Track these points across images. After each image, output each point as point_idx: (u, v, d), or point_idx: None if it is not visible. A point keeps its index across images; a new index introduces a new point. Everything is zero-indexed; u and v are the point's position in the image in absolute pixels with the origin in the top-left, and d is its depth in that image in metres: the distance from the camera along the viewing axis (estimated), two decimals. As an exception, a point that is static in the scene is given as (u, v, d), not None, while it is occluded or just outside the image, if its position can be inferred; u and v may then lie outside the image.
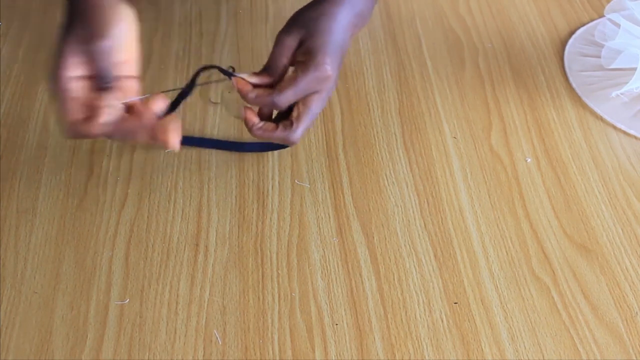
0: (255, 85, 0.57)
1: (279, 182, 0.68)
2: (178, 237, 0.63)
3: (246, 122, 0.58)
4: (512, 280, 0.61)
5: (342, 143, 0.71)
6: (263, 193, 0.67)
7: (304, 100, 0.57)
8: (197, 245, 0.63)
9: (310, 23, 0.57)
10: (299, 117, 0.57)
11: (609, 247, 0.63)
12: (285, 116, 0.58)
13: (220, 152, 0.70)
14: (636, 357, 0.56)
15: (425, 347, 0.56)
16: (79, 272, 0.60)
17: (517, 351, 0.56)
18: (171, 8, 0.86)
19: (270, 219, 0.65)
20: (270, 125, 0.58)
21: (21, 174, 0.68)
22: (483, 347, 0.56)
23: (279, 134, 0.58)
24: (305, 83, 0.55)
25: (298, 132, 0.57)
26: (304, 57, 0.56)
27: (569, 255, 0.63)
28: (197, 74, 0.58)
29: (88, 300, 0.59)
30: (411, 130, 0.73)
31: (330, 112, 0.74)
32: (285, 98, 0.55)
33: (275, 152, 0.70)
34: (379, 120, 0.74)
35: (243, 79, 0.57)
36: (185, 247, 0.62)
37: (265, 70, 0.58)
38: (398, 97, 0.76)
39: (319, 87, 0.56)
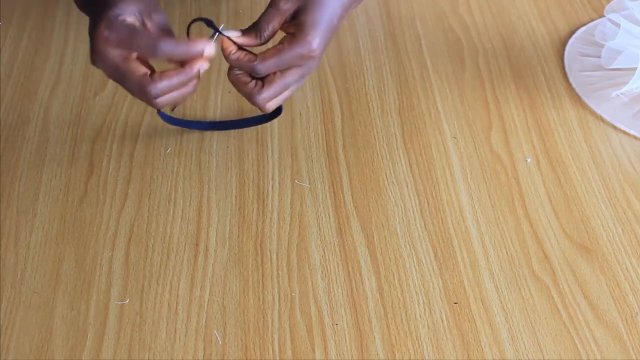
0: (240, 47, 0.56)
1: (279, 182, 0.68)
2: (178, 237, 0.63)
3: (223, 49, 0.56)
4: (512, 280, 0.61)
5: (342, 143, 0.71)
6: (263, 193, 0.67)
7: (284, 72, 0.56)
8: (197, 245, 0.63)
9: None
10: (270, 81, 0.56)
11: (609, 247, 0.63)
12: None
13: (220, 152, 0.70)
14: (636, 357, 0.56)
15: (425, 347, 0.56)
16: (79, 272, 0.60)
17: (517, 351, 0.56)
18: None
19: (270, 219, 0.65)
20: (246, 77, 0.56)
21: (21, 174, 0.68)
22: (483, 347, 0.56)
23: (248, 89, 0.56)
24: (289, 57, 0.54)
25: (264, 95, 0.56)
26: (294, 29, 0.55)
27: (569, 255, 0.63)
28: (189, 26, 0.58)
29: (88, 300, 0.59)
30: (411, 130, 0.73)
31: (330, 112, 0.74)
32: (265, 67, 0.55)
33: (276, 152, 0.70)
34: (379, 120, 0.74)
35: (229, 38, 0.56)
36: (185, 247, 0.62)
37: (254, 29, 0.56)
38: (398, 97, 0.76)
39: (302, 62, 0.56)
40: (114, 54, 0.52)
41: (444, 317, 0.58)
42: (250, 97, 0.57)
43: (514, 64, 0.81)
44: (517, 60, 0.81)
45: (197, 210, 0.65)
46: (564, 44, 0.83)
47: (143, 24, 0.54)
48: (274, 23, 0.56)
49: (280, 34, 0.57)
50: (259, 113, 0.70)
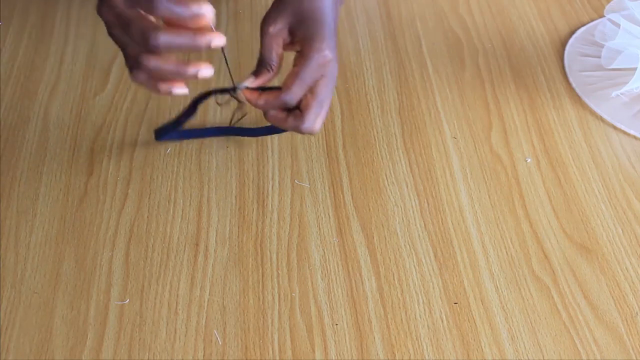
0: (260, 89, 0.56)
1: (279, 182, 0.68)
2: (178, 237, 0.63)
3: (248, 101, 0.57)
4: (512, 280, 0.61)
5: (342, 143, 0.71)
6: (263, 193, 0.67)
7: (314, 90, 0.56)
8: (197, 245, 0.63)
9: (296, 8, 0.56)
10: (306, 105, 0.56)
11: (609, 247, 0.63)
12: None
13: (220, 152, 0.70)
14: (636, 357, 0.56)
15: (425, 347, 0.56)
16: (79, 272, 0.60)
17: (517, 351, 0.56)
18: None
19: (270, 219, 0.65)
20: (283, 113, 0.57)
21: (21, 174, 0.68)
22: (483, 347, 0.56)
23: (290, 122, 0.56)
24: (308, 73, 0.54)
25: (308, 120, 0.56)
26: (301, 46, 0.55)
27: (569, 255, 0.63)
28: (196, 103, 0.59)
29: (88, 300, 0.59)
30: (411, 130, 0.73)
31: (330, 112, 0.74)
32: (294, 94, 0.55)
33: (276, 152, 0.70)
34: (379, 120, 0.74)
35: (248, 87, 0.56)
36: (185, 247, 0.62)
37: (262, 65, 0.56)
38: (398, 97, 0.76)
39: (323, 72, 0.55)
40: (120, 2, 0.49)
41: (444, 317, 0.58)
42: (296, 129, 0.57)
43: (514, 64, 0.81)
44: (517, 60, 0.81)
45: (197, 210, 0.65)
46: (564, 44, 0.83)
47: None
48: (275, 48, 0.56)
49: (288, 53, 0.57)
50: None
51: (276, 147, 0.70)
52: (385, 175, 0.68)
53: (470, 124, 0.74)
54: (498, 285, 0.60)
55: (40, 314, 0.58)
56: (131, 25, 0.49)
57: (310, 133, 0.57)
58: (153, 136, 0.69)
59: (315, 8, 0.56)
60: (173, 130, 0.68)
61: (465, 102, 0.76)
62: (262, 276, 0.61)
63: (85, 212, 0.65)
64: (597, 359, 0.56)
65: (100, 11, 0.51)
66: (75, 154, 0.69)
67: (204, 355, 0.56)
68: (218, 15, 0.85)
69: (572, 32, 0.84)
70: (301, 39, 0.55)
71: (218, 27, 0.83)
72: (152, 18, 0.49)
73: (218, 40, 0.49)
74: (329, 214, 0.65)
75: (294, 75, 0.55)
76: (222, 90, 0.57)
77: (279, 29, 0.56)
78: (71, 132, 0.71)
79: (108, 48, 0.80)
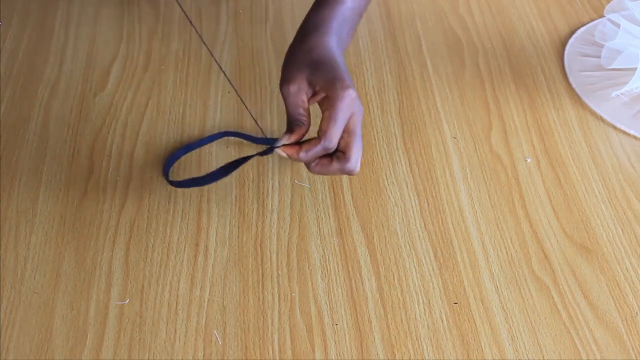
0: (299, 143, 0.56)
1: (279, 182, 0.68)
2: (178, 237, 0.63)
3: (290, 157, 0.57)
4: (512, 280, 0.61)
5: (342, 143, 0.71)
6: (263, 193, 0.67)
7: (347, 129, 0.57)
8: (197, 245, 0.63)
9: (308, 61, 0.57)
10: (347, 145, 0.56)
11: (609, 247, 0.63)
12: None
13: (220, 152, 0.70)
14: (636, 357, 0.56)
15: (425, 347, 0.56)
16: (79, 272, 0.60)
17: (517, 351, 0.56)
18: (171, 8, 0.86)
19: (270, 219, 0.65)
20: (326, 159, 0.57)
21: (21, 174, 0.68)
22: (483, 347, 0.56)
23: (335, 166, 0.57)
24: (340, 115, 0.55)
25: (353, 158, 0.57)
26: (325, 91, 0.56)
27: (569, 255, 0.63)
28: (234, 166, 0.60)
29: (88, 300, 0.59)
30: (411, 130, 0.73)
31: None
32: (332, 138, 0.55)
33: (276, 152, 0.70)
34: (379, 120, 0.74)
35: (287, 144, 0.56)
36: (185, 247, 0.62)
37: (293, 124, 0.57)
38: (398, 97, 0.76)
39: (352, 110, 0.56)
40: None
41: (444, 317, 0.58)
42: (342, 171, 0.57)
43: (514, 64, 0.81)
44: (517, 60, 0.81)
45: (197, 210, 0.65)
46: (564, 44, 0.83)
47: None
48: (301, 105, 0.57)
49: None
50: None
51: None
52: (385, 175, 0.68)
53: (470, 124, 0.74)
54: (498, 285, 0.60)
55: (40, 314, 0.58)
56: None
57: (353, 173, 0.58)
58: (167, 181, 0.67)
59: (324, 54, 0.57)
60: (194, 183, 0.66)
61: (465, 102, 0.76)
62: (262, 276, 0.61)
63: (85, 212, 0.65)
64: (597, 359, 0.56)
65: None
66: (75, 154, 0.69)
67: (204, 355, 0.56)
68: (218, 15, 0.85)
69: (572, 32, 0.84)
70: (323, 86, 0.56)
71: (218, 26, 0.83)
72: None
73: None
74: (329, 214, 0.65)
75: (327, 120, 0.55)
76: (261, 153, 0.58)
77: (299, 86, 0.56)
78: (71, 132, 0.71)
79: (108, 48, 0.80)
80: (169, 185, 0.66)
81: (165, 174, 0.67)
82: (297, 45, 0.60)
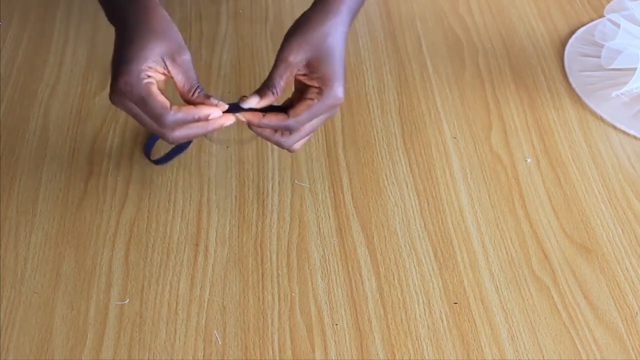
0: (263, 111, 0.56)
1: (279, 182, 0.68)
2: (178, 237, 0.63)
3: (249, 122, 0.57)
4: (512, 280, 0.61)
5: (342, 143, 0.71)
6: (263, 193, 0.67)
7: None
8: (197, 245, 0.63)
9: (319, 45, 0.56)
10: (299, 129, 0.57)
11: (609, 247, 0.63)
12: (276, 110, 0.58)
13: (220, 152, 0.70)
14: (636, 357, 0.56)
15: (425, 347, 0.56)
16: (79, 272, 0.60)
17: (517, 351, 0.56)
18: (170, 8, 0.86)
19: (270, 219, 0.65)
20: (276, 119, 0.56)
21: (21, 174, 0.68)
22: (483, 347, 0.56)
23: (276, 139, 0.58)
24: (320, 110, 0.56)
25: (294, 139, 0.57)
26: (319, 83, 0.56)
27: (569, 255, 0.63)
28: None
29: (88, 300, 0.59)
30: (411, 130, 0.73)
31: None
32: (299, 123, 0.56)
33: (276, 152, 0.70)
34: (379, 120, 0.74)
35: (252, 109, 0.56)
36: (185, 247, 0.62)
37: (268, 87, 0.56)
38: (398, 97, 0.76)
39: (331, 111, 0.57)
40: (130, 105, 0.54)
41: (444, 317, 0.58)
42: (279, 145, 0.58)
43: (514, 64, 0.81)
44: (517, 60, 0.81)
45: (197, 210, 0.65)
46: (564, 44, 0.83)
47: (166, 67, 0.54)
48: (287, 76, 0.56)
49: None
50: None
51: (276, 147, 0.70)
52: (385, 175, 0.68)
53: (470, 124, 0.74)
54: (498, 285, 0.60)
55: (40, 314, 0.58)
56: (145, 110, 0.53)
57: (289, 150, 0.59)
58: (150, 161, 0.68)
59: (335, 47, 0.57)
60: (174, 154, 0.68)
61: (465, 102, 0.76)
62: (262, 276, 0.61)
63: (85, 212, 0.65)
64: (597, 359, 0.56)
65: (111, 100, 0.55)
66: (75, 154, 0.69)
67: (204, 355, 0.56)
68: (218, 15, 0.85)
69: (572, 32, 0.84)
70: (320, 77, 0.56)
71: (218, 26, 0.83)
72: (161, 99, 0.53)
73: (228, 122, 0.56)
74: (329, 214, 0.65)
75: (306, 106, 0.55)
76: (228, 112, 0.57)
77: (298, 60, 0.56)
78: (71, 132, 0.71)
79: (108, 48, 0.80)
80: (169, 185, 0.67)
81: (147, 153, 0.68)
82: (315, 22, 0.57)
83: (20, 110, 0.73)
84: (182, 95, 0.55)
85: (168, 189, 0.67)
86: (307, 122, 0.57)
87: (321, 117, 0.58)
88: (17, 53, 0.80)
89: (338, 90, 0.56)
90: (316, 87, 0.56)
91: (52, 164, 0.68)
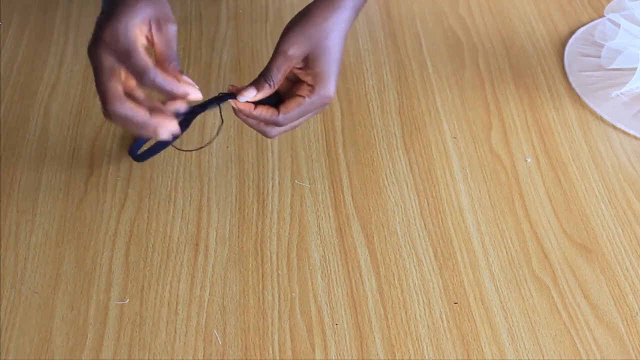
0: (255, 103, 0.56)
1: (279, 182, 0.68)
2: (178, 237, 0.63)
3: (241, 110, 0.57)
4: (512, 280, 0.61)
5: (342, 143, 0.71)
6: (263, 193, 0.67)
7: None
8: (197, 245, 0.63)
9: (319, 40, 0.56)
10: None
11: (609, 247, 0.63)
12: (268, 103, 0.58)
13: (220, 152, 0.70)
14: (636, 357, 0.56)
15: (425, 347, 0.56)
16: (79, 272, 0.60)
17: (517, 351, 0.56)
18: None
19: (270, 219, 0.65)
20: (268, 113, 0.56)
21: (21, 174, 0.68)
22: (483, 347, 0.56)
23: (261, 128, 0.58)
24: (311, 107, 0.56)
25: (277, 132, 0.58)
26: (312, 80, 0.56)
27: (569, 255, 0.63)
28: (188, 120, 0.59)
29: (88, 300, 0.59)
30: (411, 130, 0.73)
31: (330, 112, 0.74)
32: (288, 120, 0.56)
33: (276, 152, 0.70)
34: (379, 120, 0.74)
35: (248, 102, 0.56)
36: (185, 247, 0.62)
37: (265, 79, 0.56)
38: (398, 97, 0.76)
39: (320, 109, 0.58)
40: (106, 59, 0.51)
41: (444, 317, 0.58)
42: (262, 134, 0.59)
43: (514, 64, 0.81)
44: (517, 60, 0.81)
45: (197, 210, 0.65)
46: (564, 44, 0.83)
47: (150, 31, 0.54)
48: (284, 69, 0.56)
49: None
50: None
51: (276, 147, 0.70)
52: (385, 175, 0.68)
53: (470, 124, 0.74)
54: (498, 285, 0.60)
55: (40, 314, 0.58)
56: (100, 84, 0.51)
57: (266, 137, 0.60)
58: (131, 158, 0.68)
59: (334, 45, 0.56)
60: (156, 150, 0.67)
61: (465, 102, 0.76)
62: (262, 276, 0.61)
63: (85, 212, 0.65)
64: (597, 359, 0.56)
65: (88, 52, 0.52)
66: (75, 154, 0.69)
67: (204, 355, 0.56)
68: (218, 15, 0.85)
69: (572, 32, 0.84)
70: (315, 74, 0.55)
71: (218, 26, 0.83)
72: (119, 87, 0.52)
73: (182, 108, 0.54)
74: (329, 214, 0.65)
75: (297, 104, 0.55)
76: (218, 100, 0.56)
77: (297, 55, 0.55)
78: (71, 132, 0.71)
79: (108, 48, 0.80)
80: (169, 185, 0.67)
81: (131, 152, 0.67)
82: (317, 17, 0.56)
83: (20, 110, 0.73)
84: (157, 63, 0.53)
85: (168, 189, 0.67)
86: (297, 119, 0.57)
87: (310, 114, 0.58)
88: (17, 53, 0.80)
89: (330, 89, 0.56)
90: (309, 85, 0.56)
91: (52, 164, 0.68)
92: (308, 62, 0.56)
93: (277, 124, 0.56)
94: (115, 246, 0.62)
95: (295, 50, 0.55)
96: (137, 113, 0.52)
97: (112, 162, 0.69)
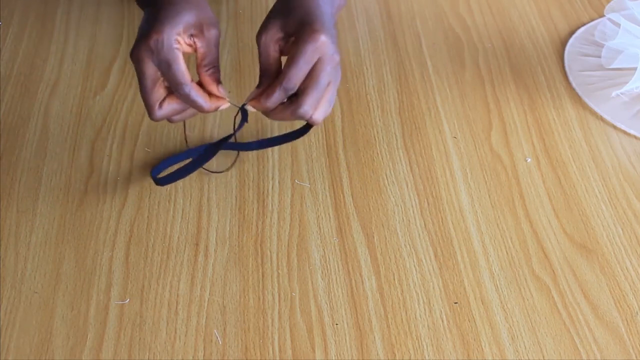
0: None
1: (279, 182, 0.68)
2: (178, 237, 0.63)
3: (257, 109, 0.56)
4: (512, 280, 0.61)
5: (342, 143, 0.71)
6: (263, 193, 0.67)
7: (310, 73, 0.53)
8: (197, 245, 0.63)
9: (284, 9, 0.55)
10: (304, 89, 0.53)
11: (609, 247, 0.63)
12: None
13: (220, 151, 0.70)
14: (636, 357, 0.56)
15: (425, 347, 0.56)
16: (79, 272, 0.60)
17: (517, 351, 0.56)
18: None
19: (270, 219, 0.65)
20: (271, 88, 0.55)
21: (21, 174, 0.68)
22: (483, 347, 0.56)
23: (288, 109, 0.54)
24: (302, 57, 0.52)
25: (305, 103, 0.54)
26: (294, 35, 0.54)
27: (569, 255, 0.63)
28: (215, 148, 0.63)
29: (88, 300, 0.59)
30: (411, 130, 0.73)
31: (330, 112, 0.74)
32: (291, 79, 0.53)
33: (276, 152, 0.70)
34: (379, 120, 0.74)
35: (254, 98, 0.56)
36: (185, 247, 0.62)
37: (263, 76, 0.56)
38: (398, 97, 0.76)
39: (319, 54, 0.53)
40: (149, 68, 0.53)
41: (444, 317, 0.58)
42: (295, 115, 0.54)
43: (514, 64, 0.81)
44: (517, 60, 0.81)
45: (197, 210, 0.65)
46: (564, 44, 0.83)
47: (192, 37, 0.54)
48: (272, 55, 0.55)
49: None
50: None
51: (276, 147, 0.70)
52: (386, 175, 0.68)
53: (470, 124, 0.74)
54: (498, 285, 0.60)
55: (40, 314, 0.58)
56: (143, 89, 0.54)
57: (311, 121, 0.55)
58: (153, 181, 0.66)
59: (305, 3, 0.55)
60: (179, 175, 0.66)
61: (465, 102, 0.76)
62: (262, 276, 0.61)
63: (85, 212, 0.65)
64: (597, 359, 0.56)
65: (131, 56, 0.54)
66: (75, 154, 0.69)
67: (204, 355, 0.56)
68: (218, 15, 0.85)
69: (572, 32, 0.84)
70: (294, 31, 0.54)
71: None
72: (160, 92, 0.55)
73: (224, 106, 0.57)
74: (329, 214, 0.65)
75: (288, 61, 0.53)
76: (239, 127, 0.59)
77: (271, 35, 0.55)
78: (71, 132, 0.71)
79: (108, 48, 0.80)
80: (169, 185, 0.66)
81: (153, 175, 0.66)
82: (293, 4, 0.56)
83: (20, 110, 0.73)
84: (197, 66, 0.56)
85: (168, 189, 0.67)
86: (301, 75, 0.53)
87: (320, 70, 0.53)
88: (17, 52, 0.80)
89: (313, 30, 0.52)
90: (293, 41, 0.54)
91: (52, 164, 0.68)
92: (286, 31, 0.55)
93: (286, 90, 0.53)
94: (115, 246, 0.62)
95: (268, 33, 0.55)
96: (198, 99, 0.55)
97: (112, 162, 0.69)
